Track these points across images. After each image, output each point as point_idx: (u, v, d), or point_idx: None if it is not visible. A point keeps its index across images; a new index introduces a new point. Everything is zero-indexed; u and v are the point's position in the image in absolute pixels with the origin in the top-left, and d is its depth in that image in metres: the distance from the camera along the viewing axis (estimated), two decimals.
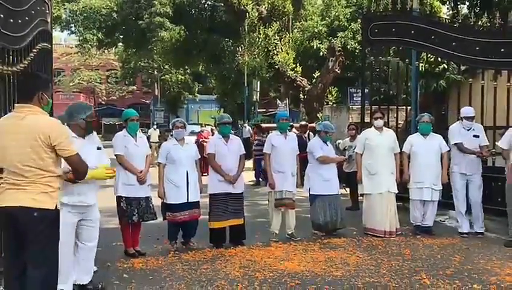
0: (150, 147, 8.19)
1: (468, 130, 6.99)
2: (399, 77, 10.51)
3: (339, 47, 16.80)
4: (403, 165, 7.21)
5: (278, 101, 23.30)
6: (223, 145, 6.41)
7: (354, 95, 16.76)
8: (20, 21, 5.01)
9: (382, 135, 7.11)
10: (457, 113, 7.64)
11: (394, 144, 7.13)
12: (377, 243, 6.51)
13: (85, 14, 25.80)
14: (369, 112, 8.88)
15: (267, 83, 23.88)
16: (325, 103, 17.76)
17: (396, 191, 7.04)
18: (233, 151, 6.43)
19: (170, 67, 35.01)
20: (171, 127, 6.40)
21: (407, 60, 10.14)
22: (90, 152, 4.37)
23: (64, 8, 26.17)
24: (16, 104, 3.59)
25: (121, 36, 28.31)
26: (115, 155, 5.86)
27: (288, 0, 18.68)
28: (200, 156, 6.51)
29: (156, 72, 39.68)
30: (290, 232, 6.77)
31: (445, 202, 7.41)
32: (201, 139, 14.61)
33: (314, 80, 18.14)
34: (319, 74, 17.89)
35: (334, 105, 17.95)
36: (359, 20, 14.25)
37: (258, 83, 25.20)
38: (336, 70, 16.26)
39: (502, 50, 7.39)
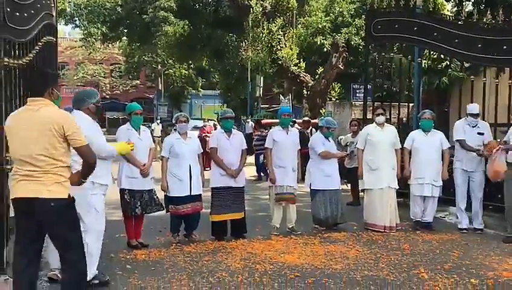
0: (154, 141, 8.27)
1: (473, 127, 7.00)
2: (402, 74, 10.54)
3: (343, 43, 16.81)
4: (404, 161, 7.26)
5: (281, 97, 23.33)
6: (225, 139, 6.48)
7: (357, 91, 16.79)
8: (25, 14, 5.07)
9: (383, 130, 7.15)
10: (459, 110, 7.67)
11: (395, 139, 7.18)
12: (376, 237, 6.57)
13: (89, 8, 25.86)
14: (371, 108, 8.92)
15: (271, 79, 23.91)
16: (328, 99, 17.79)
17: (397, 187, 7.09)
18: (235, 145, 6.50)
19: (174, 62, 35.00)
20: (174, 121, 6.47)
21: (409, 56, 10.17)
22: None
23: (69, 2, 26.24)
24: (28, 98, 3.72)
25: (125, 30, 28.34)
26: None
27: None
28: (202, 150, 6.58)
29: (159, 67, 39.70)
30: (290, 226, 6.84)
31: (446, 198, 7.46)
32: (204, 134, 14.69)
33: (317, 76, 18.15)
34: (322, 69, 17.90)
35: (337, 101, 17.99)
36: (363, 16, 14.27)
37: (262, 78, 25.23)
38: (340, 66, 16.27)
39: (505, 47, 7.41)
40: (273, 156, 6.79)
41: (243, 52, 22.57)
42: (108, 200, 4.98)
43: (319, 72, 18.28)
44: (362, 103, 10.41)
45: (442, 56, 11.78)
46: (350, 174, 8.77)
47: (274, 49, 17.80)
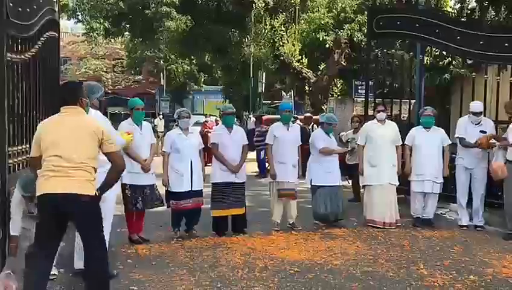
0: (158, 136, 8.29)
1: (475, 125, 6.99)
2: (404, 70, 10.53)
3: (345, 39, 16.80)
4: (404, 157, 7.27)
5: (283, 93, 23.33)
6: (226, 135, 6.50)
7: (359, 87, 16.75)
8: (28, 10, 5.10)
9: (384, 127, 7.17)
10: (460, 107, 7.67)
11: (396, 136, 7.19)
12: (376, 234, 6.59)
13: (92, 3, 25.81)
14: (373, 104, 8.92)
15: (273, 75, 23.89)
16: (330, 95, 17.79)
17: (397, 183, 7.11)
18: (236, 141, 6.52)
19: (176, 57, 34.98)
20: (176, 116, 6.49)
21: (411, 53, 10.16)
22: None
23: None
24: (63, 107, 3.86)
25: (128, 25, 28.28)
26: None
27: None
28: (203, 146, 6.60)
29: (162, 62, 39.67)
30: (291, 222, 6.87)
31: (446, 195, 7.47)
32: (205, 130, 14.71)
33: (319, 72, 18.15)
34: (324, 66, 17.89)
35: (339, 97, 17.98)
36: (366, 12, 14.22)
37: (264, 74, 25.24)
38: (342, 62, 16.28)
39: (506, 45, 7.40)
40: (274, 152, 6.81)
41: (245, 48, 22.54)
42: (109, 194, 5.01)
43: (321, 68, 18.28)
44: (364, 99, 10.40)
45: (444, 53, 11.76)
46: (351, 171, 8.78)
47: (276, 45, 17.82)
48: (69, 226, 3.93)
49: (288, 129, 6.88)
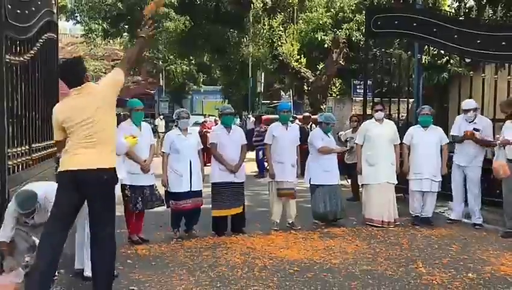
0: (159, 137, 8.30)
1: (469, 122, 7.04)
2: (402, 69, 10.56)
3: (344, 39, 16.83)
4: (403, 156, 7.29)
5: (282, 93, 23.35)
6: (225, 135, 6.52)
7: (358, 87, 16.80)
8: (27, 12, 5.12)
9: (382, 126, 7.19)
10: (458, 105, 7.70)
11: (394, 135, 7.21)
12: (375, 232, 6.61)
13: (90, 4, 25.82)
14: (371, 104, 8.95)
15: (272, 75, 23.91)
16: (329, 95, 17.81)
17: (396, 182, 7.13)
18: (235, 141, 6.54)
19: (175, 57, 34.99)
20: (176, 117, 6.50)
21: (409, 52, 10.19)
22: None
23: None
24: (72, 89, 3.92)
25: (126, 26, 28.30)
26: None
27: None
28: (202, 146, 6.62)
29: (161, 63, 39.65)
30: (290, 222, 6.89)
31: (445, 193, 7.49)
32: (204, 130, 14.72)
33: (318, 72, 18.17)
34: (323, 65, 17.91)
35: (338, 97, 18.01)
36: (364, 11, 14.25)
37: (263, 74, 25.24)
38: (340, 62, 16.31)
39: (503, 43, 7.43)
40: (273, 151, 6.83)
41: (244, 48, 22.57)
42: None
43: (319, 68, 18.30)
44: (362, 98, 10.43)
45: (442, 52, 11.79)
46: (350, 170, 8.81)
47: (275, 45, 17.84)
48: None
49: (287, 129, 6.90)
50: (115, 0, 26.14)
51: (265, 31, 17.97)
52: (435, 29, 8.25)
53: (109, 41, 33.37)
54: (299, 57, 18.03)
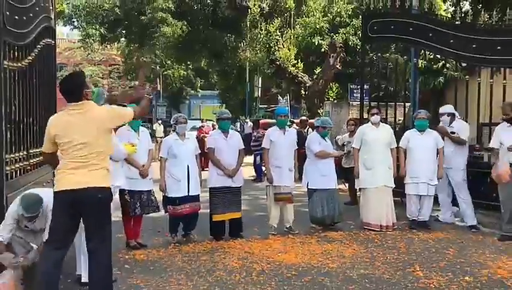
0: (157, 142, 8.31)
1: (448, 126, 7.28)
2: (398, 74, 10.60)
3: (340, 43, 16.87)
4: (399, 160, 7.33)
5: (280, 97, 23.39)
6: (222, 140, 6.54)
7: (355, 91, 16.82)
8: (24, 18, 5.14)
9: (379, 130, 7.23)
10: (454, 109, 7.73)
11: (391, 139, 7.24)
12: (373, 236, 6.64)
13: (88, 9, 25.86)
14: (368, 108, 8.98)
15: (269, 79, 23.98)
16: (326, 99, 17.84)
17: (393, 186, 7.16)
18: (232, 146, 6.56)
19: (172, 62, 35.03)
20: (173, 122, 6.52)
21: (405, 56, 10.25)
22: None
23: (67, 3, 26.23)
24: (70, 104, 3.88)
25: (124, 31, 28.35)
26: None
27: None
28: (200, 151, 6.64)
29: (158, 68, 39.70)
30: (288, 226, 6.91)
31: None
32: (202, 134, 14.75)
33: (315, 76, 18.21)
34: (320, 70, 17.95)
35: (335, 101, 18.03)
36: (361, 16, 14.33)
37: (260, 78, 25.31)
38: (337, 66, 16.32)
39: (499, 48, 7.49)
40: (270, 156, 6.85)
41: (241, 53, 22.61)
42: None
43: (316, 73, 18.34)
44: (359, 102, 10.47)
45: (438, 56, 11.86)
46: (347, 174, 8.84)
47: (272, 49, 17.87)
48: None
49: (284, 134, 6.92)
50: (112, 6, 26.21)
51: (262, 36, 18.00)
52: (431, 34, 8.31)
53: (106, 46, 33.39)
54: (296, 61, 18.07)
